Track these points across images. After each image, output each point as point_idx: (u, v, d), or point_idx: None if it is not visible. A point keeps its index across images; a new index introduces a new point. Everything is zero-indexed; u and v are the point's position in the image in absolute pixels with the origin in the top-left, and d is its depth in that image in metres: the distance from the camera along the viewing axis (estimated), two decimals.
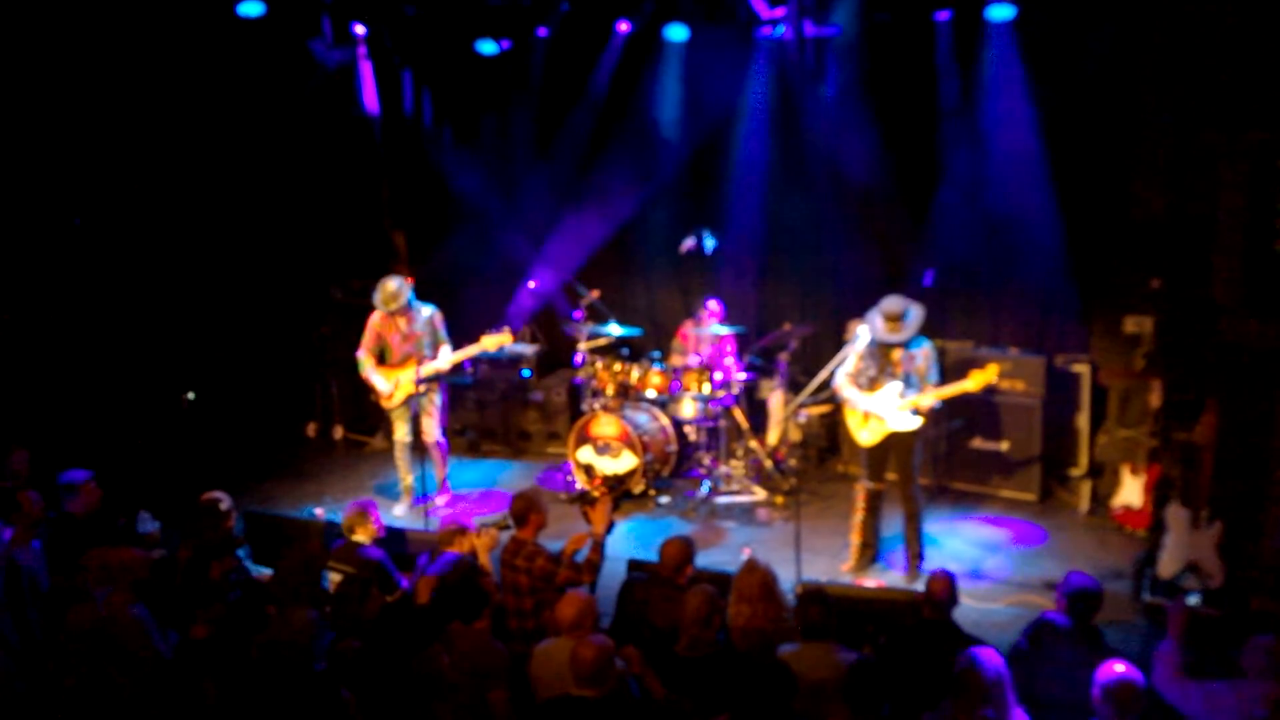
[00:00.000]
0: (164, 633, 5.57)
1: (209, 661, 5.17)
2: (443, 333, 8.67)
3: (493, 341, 8.52)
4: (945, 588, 5.49)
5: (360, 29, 10.41)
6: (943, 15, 9.00)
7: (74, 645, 4.91)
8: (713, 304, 9.40)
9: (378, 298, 8.58)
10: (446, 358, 8.57)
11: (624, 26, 9.98)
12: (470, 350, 8.61)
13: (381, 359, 8.71)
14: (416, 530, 7.65)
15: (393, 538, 7.15)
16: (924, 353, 7.29)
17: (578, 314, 9.35)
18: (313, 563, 5.83)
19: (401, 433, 8.74)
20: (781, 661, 4.89)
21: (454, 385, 10.37)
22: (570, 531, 6.36)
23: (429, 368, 8.51)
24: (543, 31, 9.98)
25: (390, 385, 8.62)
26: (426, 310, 8.66)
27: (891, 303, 7.25)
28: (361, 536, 6.49)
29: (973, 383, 7.17)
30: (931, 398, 7.22)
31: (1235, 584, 6.82)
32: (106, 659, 4.94)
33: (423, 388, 8.56)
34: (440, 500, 8.65)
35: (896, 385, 7.24)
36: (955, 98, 9.10)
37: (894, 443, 7.39)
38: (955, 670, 4.47)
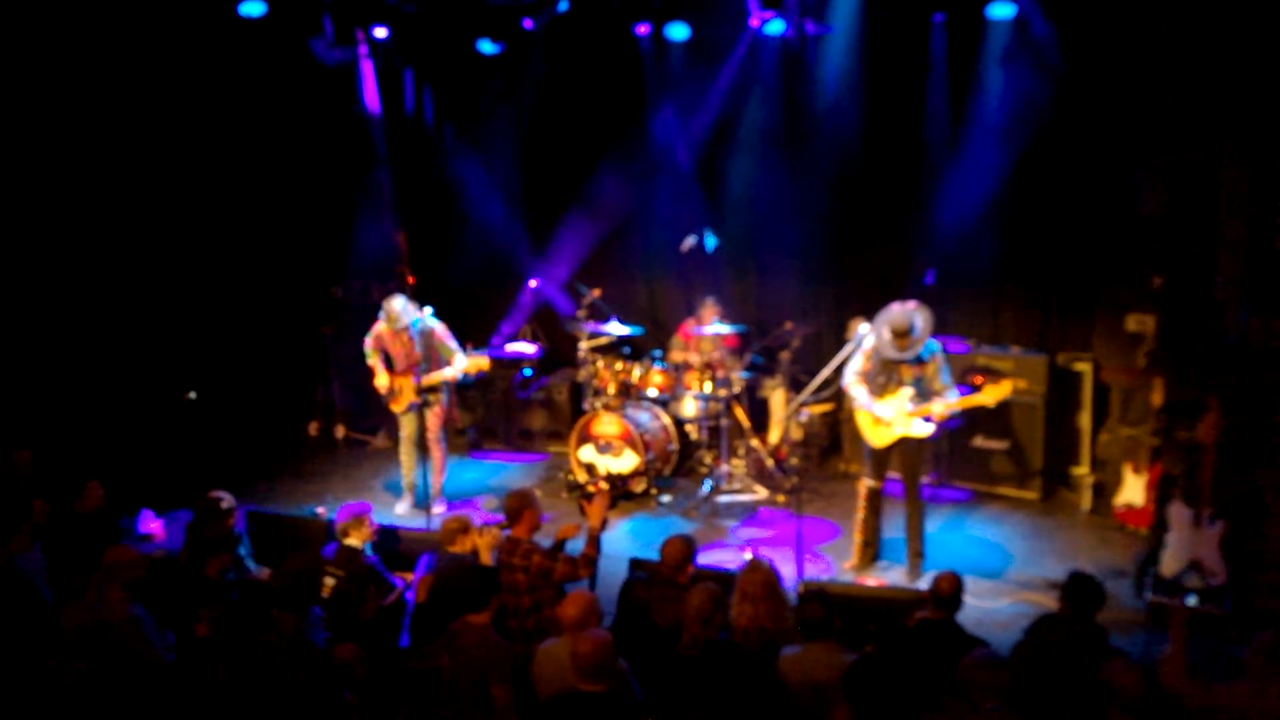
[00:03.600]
0: (162, 632, 5.57)
1: (210, 661, 5.17)
2: (451, 344, 8.63)
3: (473, 364, 8.53)
4: (952, 586, 5.49)
5: (381, 32, 10.43)
6: (941, 16, 9.01)
7: (72, 644, 4.91)
8: (712, 302, 9.40)
9: (382, 315, 8.60)
10: (456, 367, 8.53)
11: (643, 29, 9.97)
12: (453, 370, 8.53)
13: (388, 365, 8.72)
14: (417, 530, 7.65)
15: (391, 538, 7.15)
16: (933, 357, 7.23)
17: (576, 312, 9.38)
18: (313, 569, 5.83)
19: (408, 430, 8.75)
20: (771, 665, 4.89)
21: (456, 385, 10.39)
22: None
23: (428, 379, 8.52)
24: (529, 24, 9.95)
25: (390, 385, 8.63)
26: (427, 326, 8.62)
27: (897, 316, 7.11)
28: (355, 540, 6.48)
29: (988, 396, 7.12)
30: (944, 407, 7.17)
31: (1238, 583, 6.81)
32: (104, 658, 4.94)
33: (421, 398, 8.59)
34: (437, 509, 8.63)
35: (908, 391, 7.21)
36: (956, 96, 9.10)
37: (901, 444, 7.37)
38: (960, 668, 4.47)
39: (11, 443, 7.58)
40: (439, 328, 8.66)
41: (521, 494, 6.24)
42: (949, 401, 7.17)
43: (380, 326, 8.69)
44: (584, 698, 4.55)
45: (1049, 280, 9.18)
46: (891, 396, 7.25)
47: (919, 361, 7.21)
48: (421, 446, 8.72)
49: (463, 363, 8.54)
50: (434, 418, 8.72)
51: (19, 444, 7.55)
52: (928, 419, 7.22)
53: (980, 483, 9.02)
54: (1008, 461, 8.90)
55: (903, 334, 7.09)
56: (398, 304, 8.55)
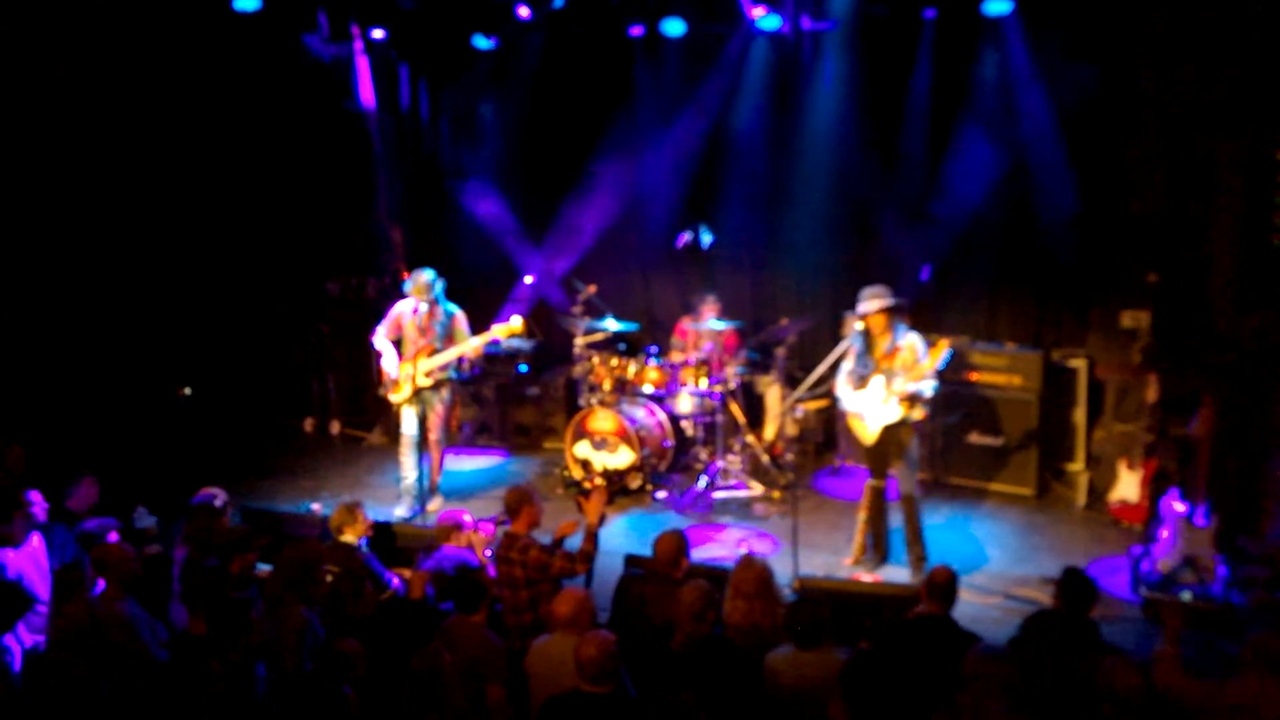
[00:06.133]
0: (154, 629, 5.56)
1: (207, 657, 5.16)
2: (467, 333, 8.60)
3: (504, 329, 8.48)
4: (947, 579, 5.50)
5: (379, 33, 10.43)
6: (932, 12, 9.01)
7: (66, 641, 4.90)
8: (713, 299, 9.40)
9: (409, 285, 8.57)
10: (455, 349, 8.51)
11: (637, 30, 9.95)
12: (482, 338, 8.53)
13: (399, 352, 8.69)
14: (412, 525, 7.64)
15: (386, 535, 7.13)
16: (909, 345, 7.26)
17: (571, 307, 9.38)
18: (314, 563, 5.82)
19: (408, 428, 8.65)
20: (752, 660, 4.91)
21: (460, 384, 10.37)
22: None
23: (434, 360, 8.49)
24: (525, 13, 9.92)
25: (398, 372, 8.58)
26: (450, 310, 8.62)
27: (872, 288, 7.29)
28: (349, 536, 6.48)
29: (930, 362, 7.11)
30: (903, 383, 7.15)
31: (1232, 579, 6.82)
32: (98, 655, 4.93)
33: (430, 381, 8.54)
34: (433, 505, 8.62)
35: (879, 379, 7.23)
36: (952, 92, 9.10)
37: (889, 440, 7.38)
38: (965, 662, 4.48)
39: (3, 439, 7.56)
40: (460, 314, 8.65)
41: (521, 490, 6.24)
42: (904, 378, 7.14)
43: (400, 307, 8.65)
44: (588, 698, 4.56)
45: (1044, 277, 9.19)
46: (867, 386, 7.28)
47: (895, 345, 7.23)
48: (421, 444, 8.69)
49: (480, 339, 8.49)
50: (436, 417, 8.67)
51: (10, 440, 7.53)
52: (897, 402, 7.20)
53: (975, 479, 9.02)
54: (1002, 458, 8.91)
55: (877, 296, 7.23)
56: (427, 274, 8.54)
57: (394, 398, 8.66)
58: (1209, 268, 7.96)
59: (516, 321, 8.50)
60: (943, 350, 7.05)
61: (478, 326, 8.65)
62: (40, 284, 9.52)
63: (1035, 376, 8.75)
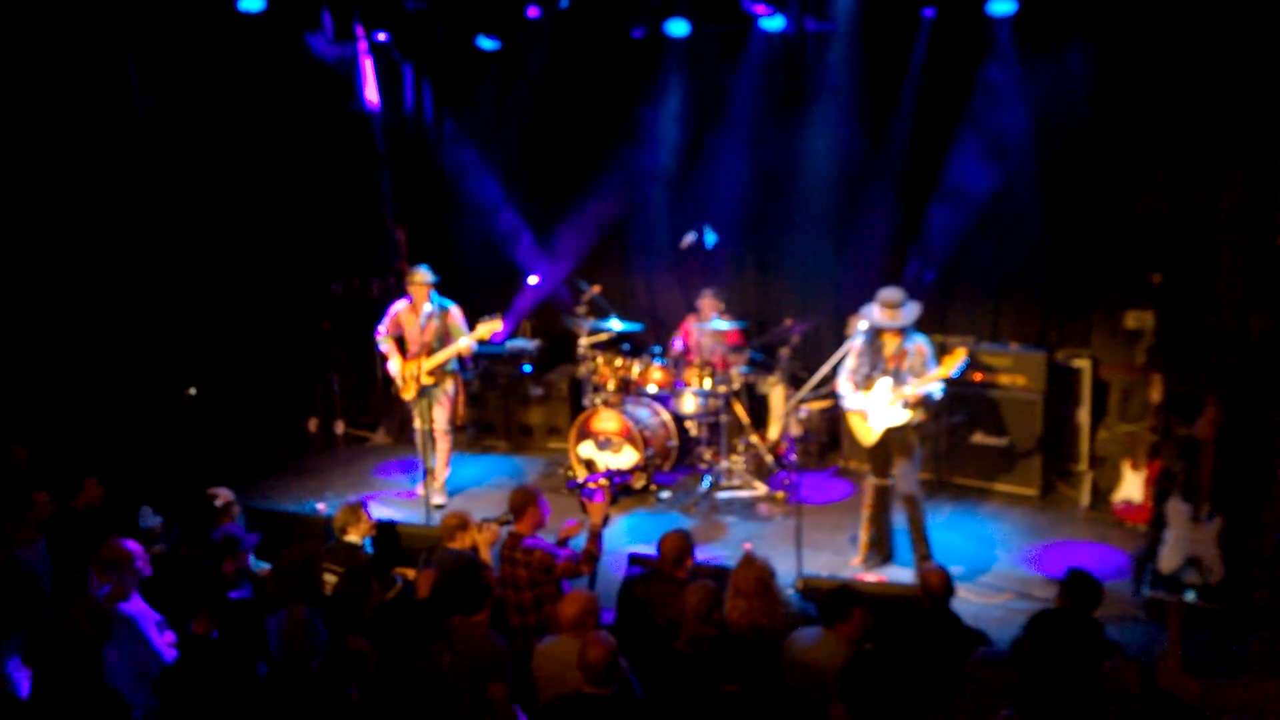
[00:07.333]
0: (162, 629, 5.57)
1: (209, 657, 5.18)
2: (463, 328, 8.70)
3: (486, 329, 8.53)
4: (940, 580, 5.51)
5: (382, 36, 10.47)
6: (931, 11, 8.99)
7: (72, 641, 4.91)
8: (710, 297, 9.40)
9: (409, 283, 8.73)
10: (450, 349, 8.59)
11: (641, 31, 9.96)
12: (468, 340, 8.60)
13: (401, 350, 8.79)
14: (416, 525, 7.66)
15: (390, 534, 7.15)
16: (918, 348, 7.26)
17: (575, 308, 9.41)
18: (311, 562, 5.83)
19: (420, 423, 8.74)
20: (766, 660, 4.91)
21: (464, 380, 10.39)
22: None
23: (431, 360, 8.55)
24: (533, 11, 9.94)
25: (401, 372, 8.66)
26: (444, 306, 8.72)
27: (889, 292, 7.26)
28: (354, 536, 6.49)
29: (944, 369, 7.10)
30: (913, 388, 7.17)
31: (1236, 579, 6.81)
32: (104, 654, 4.94)
33: (431, 379, 8.62)
34: (438, 500, 8.67)
35: (887, 381, 7.23)
36: (956, 93, 9.09)
37: (891, 439, 7.38)
38: (965, 668, 4.48)
39: (8, 440, 7.58)
40: (454, 309, 8.75)
41: (526, 491, 6.25)
42: (916, 383, 7.14)
43: (399, 306, 8.78)
44: (590, 700, 4.57)
45: (1048, 278, 9.18)
46: (873, 386, 7.27)
47: (903, 348, 7.22)
48: (431, 436, 8.77)
49: (468, 339, 8.57)
50: (441, 409, 8.78)
51: (15, 441, 7.55)
52: (905, 405, 7.20)
53: (979, 479, 9.02)
54: (1007, 458, 8.90)
55: (893, 305, 7.21)
56: (426, 271, 8.73)
57: (404, 395, 8.83)
58: (1213, 268, 7.94)
59: (497, 321, 8.54)
60: (959, 359, 7.02)
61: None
62: (45, 285, 9.54)
63: (1039, 377, 8.75)
